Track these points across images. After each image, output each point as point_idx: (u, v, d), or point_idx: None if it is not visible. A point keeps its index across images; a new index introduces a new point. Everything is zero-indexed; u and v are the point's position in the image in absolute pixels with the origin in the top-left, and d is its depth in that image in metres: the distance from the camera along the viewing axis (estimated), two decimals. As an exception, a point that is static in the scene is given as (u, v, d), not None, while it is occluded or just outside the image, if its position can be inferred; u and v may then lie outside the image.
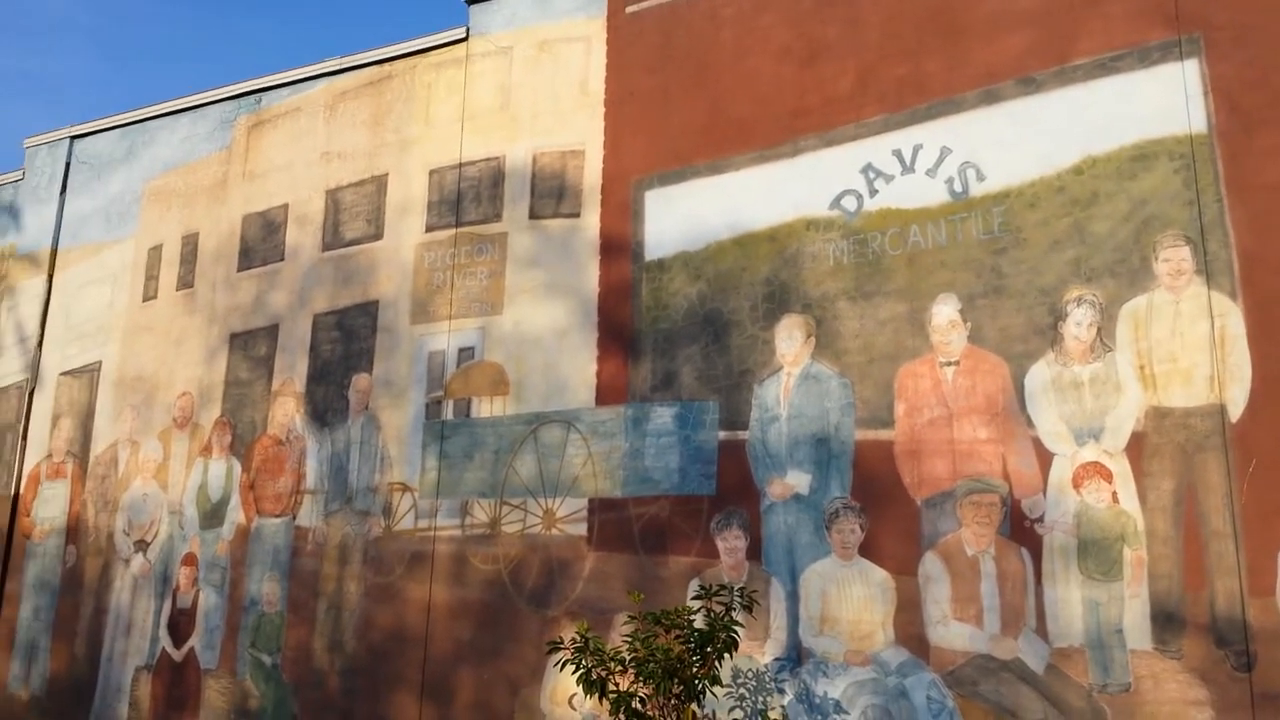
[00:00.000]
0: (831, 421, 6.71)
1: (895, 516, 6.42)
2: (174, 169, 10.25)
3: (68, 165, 11.06)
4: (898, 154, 6.81)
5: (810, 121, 7.14)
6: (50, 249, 10.86)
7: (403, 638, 7.85)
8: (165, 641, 8.93)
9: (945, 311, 6.47)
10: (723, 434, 7.06)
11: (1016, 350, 6.22)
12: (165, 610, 9.03)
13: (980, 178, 6.51)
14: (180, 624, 8.90)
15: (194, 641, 8.77)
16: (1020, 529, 6.05)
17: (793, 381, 6.90)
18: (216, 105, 10.11)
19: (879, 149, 6.87)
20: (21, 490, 10.30)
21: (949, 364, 6.42)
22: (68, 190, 10.99)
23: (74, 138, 11.10)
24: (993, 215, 6.43)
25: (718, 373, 7.15)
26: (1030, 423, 6.11)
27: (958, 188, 6.56)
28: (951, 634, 6.12)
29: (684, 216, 7.49)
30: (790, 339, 6.96)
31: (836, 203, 6.95)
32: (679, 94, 7.73)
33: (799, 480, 6.75)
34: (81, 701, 9.22)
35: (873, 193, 6.84)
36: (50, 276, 10.78)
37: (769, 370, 6.99)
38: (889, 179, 6.80)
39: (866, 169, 6.89)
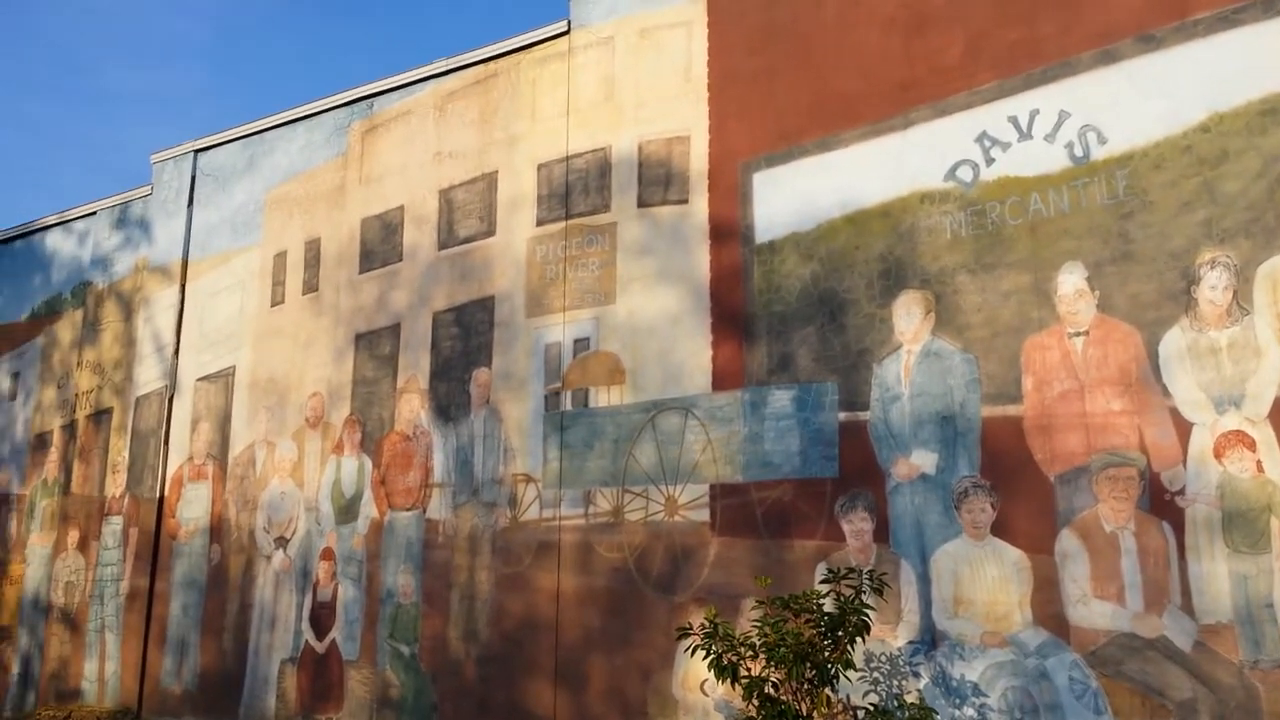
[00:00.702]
0: (956, 399, 6.56)
1: (1027, 494, 6.25)
2: (294, 177, 10.57)
3: (193, 178, 11.51)
4: (1014, 120, 6.60)
5: (920, 92, 6.97)
6: (181, 260, 11.32)
7: (534, 625, 7.99)
8: (308, 634, 9.28)
9: (1071, 280, 6.26)
10: (843, 415, 6.98)
11: (1149, 317, 5.98)
12: (306, 604, 9.38)
13: (1101, 141, 6.27)
14: (321, 617, 9.23)
15: (335, 633, 9.09)
16: (1160, 502, 5.83)
17: (913, 359, 6.77)
18: (330, 113, 10.38)
19: (994, 116, 6.66)
20: (166, 493, 10.79)
21: (1078, 334, 6.21)
22: (194, 202, 11.43)
23: (197, 151, 11.54)
24: (1116, 179, 6.19)
25: (835, 353, 7.07)
26: (1166, 392, 5.88)
27: (1078, 152, 6.33)
28: (1093, 613, 5.95)
29: (794, 197, 7.40)
30: (909, 316, 6.83)
31: (952, 174, 6.78)
32: (783, 73, 7.63)
33: (925, 460, 6.63)
34: (231, 694, 9.65)
35: (989, 161, 6.65)
36: (183, 286, 11.24)
37: (888, 349, 6.87)
38: (1005, 147, 6.60)
39: (981, 138, 6.70)
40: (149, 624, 10.41)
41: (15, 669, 11.49)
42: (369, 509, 9.23)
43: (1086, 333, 6.19)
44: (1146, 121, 6.14)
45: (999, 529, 6.32)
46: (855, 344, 7.00)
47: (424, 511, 8.88)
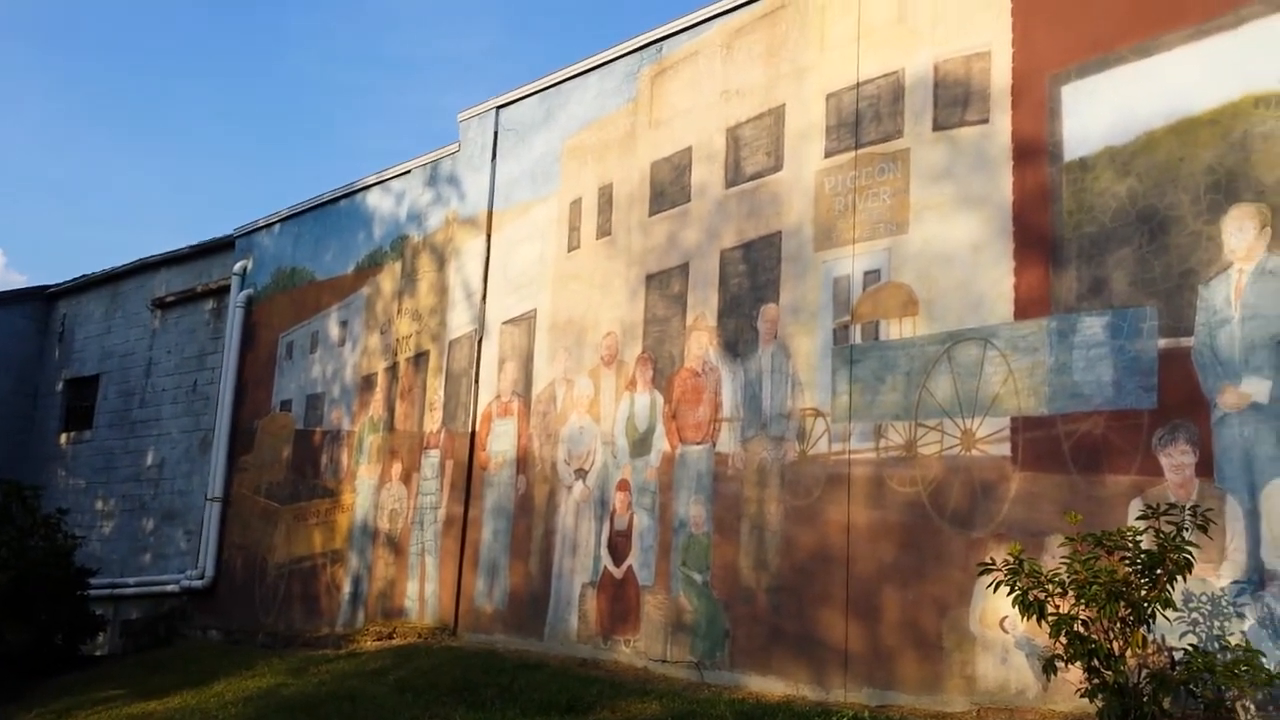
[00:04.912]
0: (1296, 320, 5.95)
1: (1381, 423, 5.60)
2: (587, 125, 10.97)
3: (495, 134, 12.18)
4: (1370, 7, 5.87)
5: (1256, -16, 6.32)
6: (486, 211, 12.03)
7: (825, 558, 8.00)
8: (606, 560, 9.72)
9: None
10: (1163, 342, 6.50)
11: None
12: (604, 532, 9.83)
13: None
14: (618, 544, 9.65)
15: (631, 560, 9.48)
16: None
17: (1246, 279, 6.20)
18: (621, 60, 10.67)
19: (1345, 4, 5.95)
20: (477, 428, 11.58)
21: None
22: (497, 156, 12.09)
23: (499, 108, 12.18)
24: None
25: (1154, 275, 6.58)
26: None
27: None
28: None
29: (1108, 108, 6.91)
30: (1241, 232, 6.24)
31: (1292, 73, 6.11)
32: (1097, -26, 7.12)
33: (1257, 388, 6.08)
34: (538, 614, 10.27)
35: (1339, 55, 5.95)
36: (488, 236, 11.96)
37: (1216, 269, 6.32)
38: (1359, 37, 5.88)
39: (1328, 30, 6.00)
40: (463, 548, 11.23)
41: (346, 589, 12.72)
42: (661, 443, 9.52)
43: None
44: None
45: (1346, 462, 5.71)
46: (1178, 265, 6.48)
47: (714, 445, 9.06)
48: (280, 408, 14.60)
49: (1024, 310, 7.19)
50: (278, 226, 15.42)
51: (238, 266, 15.64)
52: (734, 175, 9.36)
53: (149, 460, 16.55)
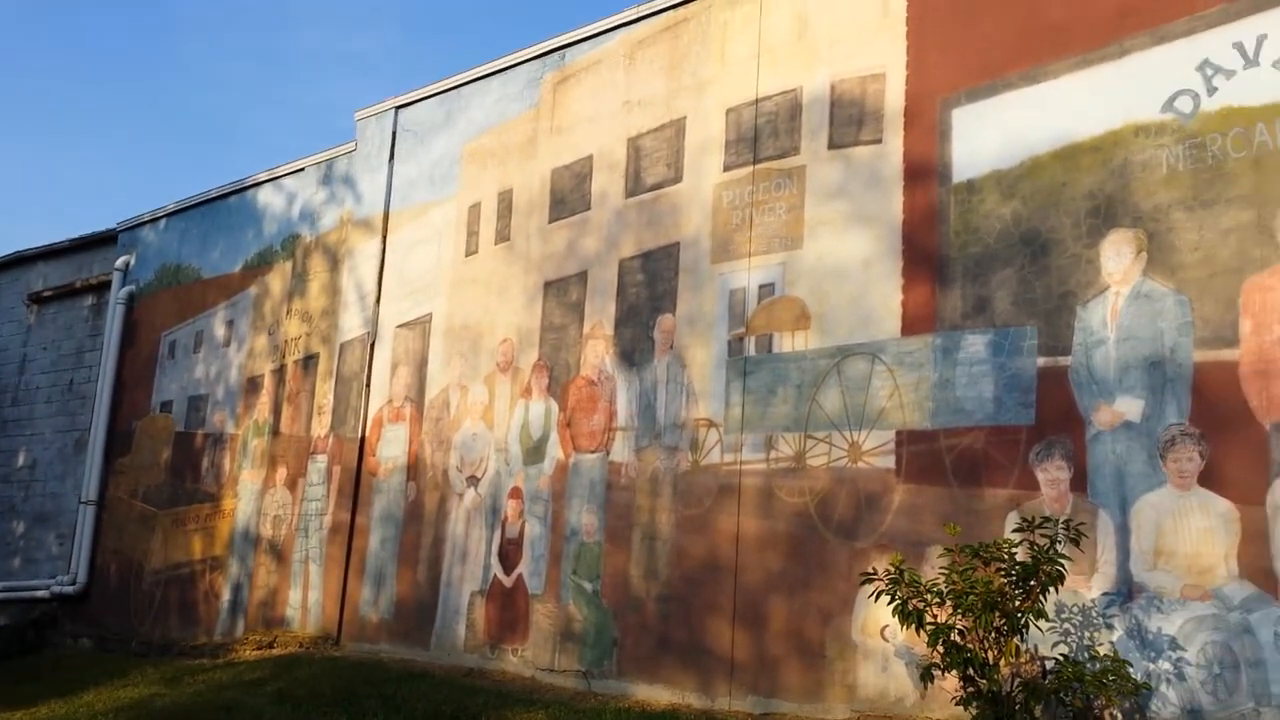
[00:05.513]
0: (1166, 343, 6.23)
1: (1240, 443, 5.89)
2: (488, 130, 10.90)
3: (394, 134, 12.01)
4: (1239, 47, 6.18)
5: (1138, 19, 6.60)
6: (383, 213, 11.84)
7: (715, 567, 8.05)
8: (496, 569, 9.62)
9: (1301, 216, 5.83)
10: (1042, 360, 6.72)
11: (1389, 255, 5.52)
12: (495, 540, 9.73)
13: (1341, 65, 5.80)
14: (509, 552, 9.56)
15: (522, 568, 9.40)
16: (1394, 453, 5.40)
17: (1122, 301, 6.45)
18: (524, 66, 10.64)
19: (1217, 43, 6.25)
20: (367, 433, 11.36)
21: (1305, 274, 5.79)
22: (395, 157, 11.92)
23: (398, 108, 12.02)
24: (1356, 106, 5.71)
25: (1035, 296, 6.80)
26: (1407, 335, 5.43)
27: (1313, 79, 5.87)
28: (1307, 568, 5.57)
29: (996, 133, 7.14)
30: (1119, 256, 6.50)
31: (1170, 105, 6.40)
32: (988, 3, 7.35)
33: (1129, 407, 6.32)
34: (424, 623, 10.10)
35: (1211, 91, 6.24)
36: (384, 238, 11.76)
37: (1094, 291, 6.57)
38: (1230, 75, 6.19)
39: (1203, 66, 6.29)
40: (349, 556, 11.00)
41: (226, 597, 12.34)
42: (555, 451, 9.48)
43: (1315, 272, 5.76)
44: (1395, 42, 5.64)
45: (1207, 479, 5.98)
46: (1058, 286, 6.72)
47: (608, 454, 9.05)
48: (160, 409, 14.11)
49: (911, 326, 7.36)
50: (164, 222, 14.93)
51: (120, 262, 15.07)
52: (634, 185, 9.40)
53: (20, 461, 15.81)
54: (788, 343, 8.04)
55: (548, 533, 9.30)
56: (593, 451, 9.17)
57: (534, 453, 9.65)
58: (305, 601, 11.33)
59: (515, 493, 9.67)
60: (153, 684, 9.98)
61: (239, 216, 13.83)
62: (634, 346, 9.08)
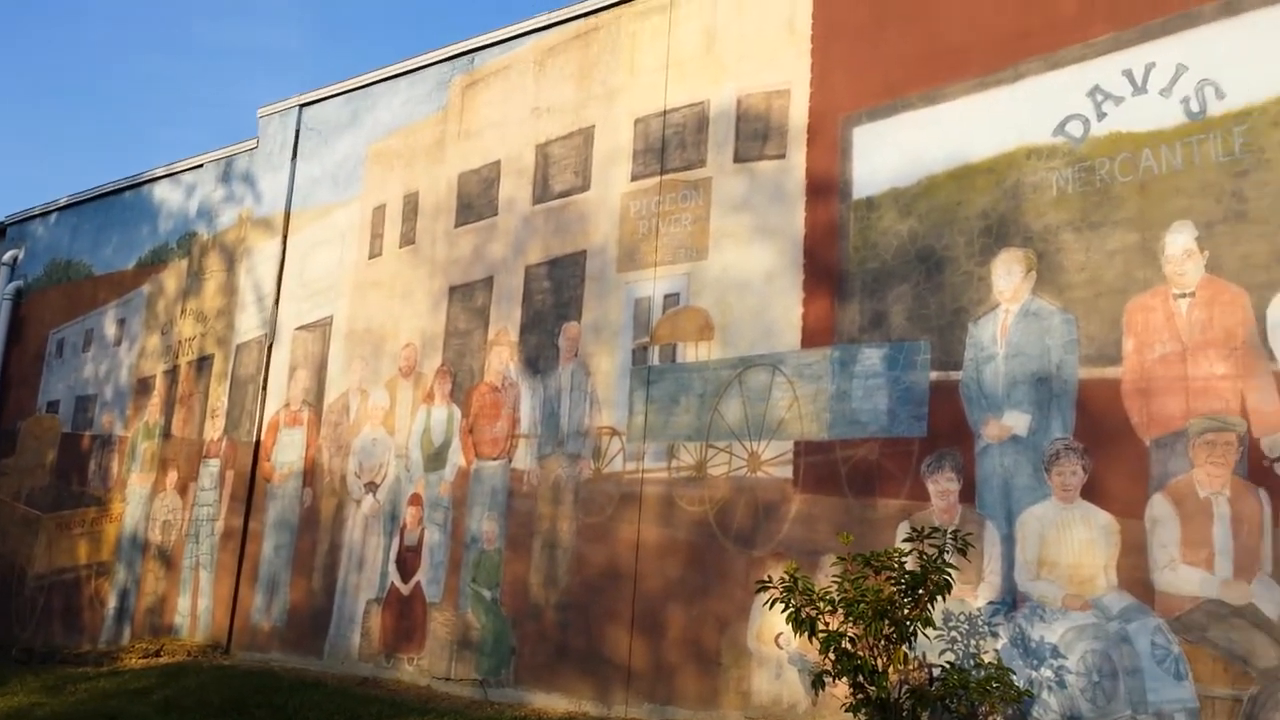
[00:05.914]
0: (1053, 360, 6.43)
1: (1121, 457, 6.11)
2: (394, 131, 10.76)
3: (297, 132, 11.78)
4: (1128, 74, 6.43)
5: (1033, 44, 6.82)
6: (284, 212, 11.60)
7: (614, 575, 8.05)
8: (394, 576, 9.48)
9: (1180, 240, 6.09)
10: (935, 375, 6.88)
11: (1259, 280, 5.79)
12: (394, 547, 9.58)
13: (1219, 96, 6.08)
14: (407, 560, 9.42)
15: (420, 576, 9.27)
16: (1259, 469, 5.67)
17: (1011, 319, 6.65)
18: (433, 68, 10.53)
19: (1108, 70, 6.50)
20: (263, 437, 11.10)
21: (1183, 296, 6.04)
22: (298, 156, 11.70)
23: (303, 106, 11.80)
24: (1233, 136, 6.00)
25: (929, 312, 6.97)
26: (1273, 356, 5.72)
27: (1194, 108, 6.14)
28: (1180, 579, 5.81)
29: (895, 151, 7.30)
30: (1009, 274, 6.70)
31: (1061, 129, 6.63)
32: (891, 24, 7.52)
33: (1017, 421, 6.51)
34: (318, 631, 9.89)
35: (1100, 116, 6.48)
36: (284, 238, 11.53)
37: (985, 308, 6.76)
38: (1119, 101, 6.43)
39: (1094, 92, 6.53)
40: (241, 562, 10.72)
41: (112, 603, 11.94)
42: (456, 457, 9.38)
43: (1193, 294, 6.02)
44: (1269, 77, 5.93)
45: (1089, 492, 6.20)
46: (951, 302, 6.89)
47: (510, 461, 8.99)
48: (46, 409, 13.63)
49: (810, 339, 7.48)
50: (55, 215, 14.43)
51: (7, 256, 14.54)
52: (542, 192, 9.37)
53: (-109, 461, 15.08)
54: (691, 353, 8.09)
55: (447, 540, 9.19)
56: (495, 458, 9.10)
57: (435, 459, 9.53)
58: (195, 609, 11.02)
59: (415, 499, 9.54)
60: (33, 693, 9.59)
61: (134, 212, 13.43)
62: (539, 353, 9.05)
